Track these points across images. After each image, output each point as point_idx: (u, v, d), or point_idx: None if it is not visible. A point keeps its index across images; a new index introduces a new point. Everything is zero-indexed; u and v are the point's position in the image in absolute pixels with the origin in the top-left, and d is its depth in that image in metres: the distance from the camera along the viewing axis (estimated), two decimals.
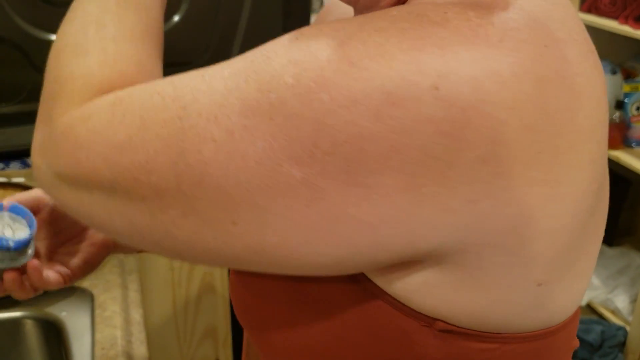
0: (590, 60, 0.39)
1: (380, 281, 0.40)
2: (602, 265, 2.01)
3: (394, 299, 0.40)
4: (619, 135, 1.78)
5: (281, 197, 0.35)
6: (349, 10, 0.56)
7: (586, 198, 0.38)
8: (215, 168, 0.35)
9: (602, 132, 0.39)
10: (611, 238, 2.13)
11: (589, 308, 1.98)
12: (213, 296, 1.32)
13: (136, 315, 0.92)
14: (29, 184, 1.04)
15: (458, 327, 0.40)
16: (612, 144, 1.78)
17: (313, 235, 0.36)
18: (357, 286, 0.41)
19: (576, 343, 0.48)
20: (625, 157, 1.75)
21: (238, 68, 0.37)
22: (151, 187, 0.38)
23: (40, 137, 0.45)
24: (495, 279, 0.38)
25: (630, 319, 1.84)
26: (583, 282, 0.43)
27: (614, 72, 1.84)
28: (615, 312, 1.91)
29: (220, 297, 1.33)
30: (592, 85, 0.38)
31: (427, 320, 0.40)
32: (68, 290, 1.02)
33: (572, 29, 0.38)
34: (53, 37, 1.33)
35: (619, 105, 1.77)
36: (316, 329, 0.43)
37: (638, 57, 1.94)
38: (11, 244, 0.57)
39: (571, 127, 0.36)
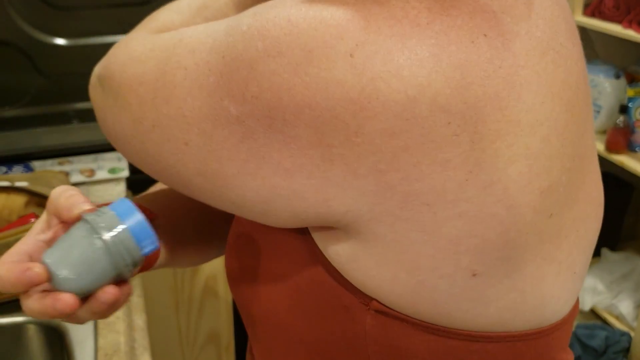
0: (548, 57, 0.39)
1: (319, 242, 0.43)
2: (606, 270, 2.00)
3: (334, 269, 0.42)
4: (623, 139, 1.78)
5: (221, 128, 0.39)
6: None
7: (527, 194, 0.38)
8: (180, 91, 0.41)
9: (556, 130, 0.39)
10: (614, 242, 2.12)
11: (593, 313, 1.98)
12: (216, 301, 1.32)
13: (139, 320, 0.92)
14: (33, 188, 1.03)
15: (392, 310, 0.41)
16: (616, 149, 1.77)
17: (243, 169, 0.40)
18: (304, 243, 0.44)
19: None
20: (629, 162, 1.74)
21: (229, 18, 0.42)
22: (138, 96, 0.45)
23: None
24: (415, 258, 0.38)
25: (634, 324, 1.83)
26: (550, 290, 0.42)
27: (617, 77, 1.84)
28: (619, 317, 1.90)
29: (223, 302, 1.33)
30: (543, 80, 0.38)
31: (364, 298, 0.42)
32: None
33: (536, 26, 0.39)
34: (57, 40, 1.33)
35: (623, 109, 1.76)
36: (276, 296, 0.47)
37: None
38: (147, 249, 0.43)
39: (499, 117, 0.36)
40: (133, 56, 0.47)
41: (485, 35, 0.36)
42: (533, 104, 0.38)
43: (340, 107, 0.35)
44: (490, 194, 0.37)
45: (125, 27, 1.29)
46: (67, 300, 0.40)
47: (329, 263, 0.42)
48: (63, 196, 0.44)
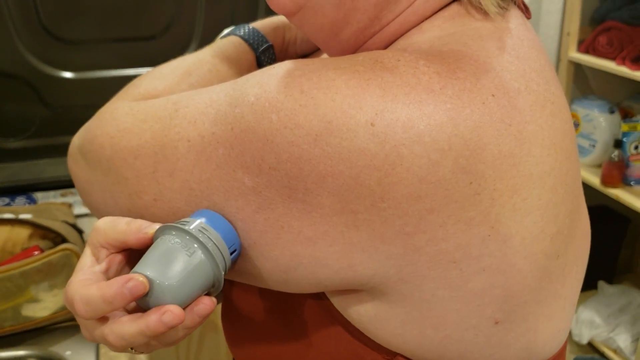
0: (547, 110, 0.41)
1: (339, 306, 0.43)
2: (603, 303, 2.01)
3: (355, 328, 0.42)
4: (618, 173, 1.80)
5: (234, 199, 0.39)
6: None
7: (540, 241, 0.40)
8: (185, 164, 0.41)
9: (560, 179, 0.41)
10: (611, 276, 2.12)
11: (591, 346, 1.97)
12: (215, 335, 1.31)
13: (141, 354, 0.92)
14: (37, 221, 1.03)
15: None
16: (611, 183, 1.79)
17: (260, 239, 0.39)
18: (320, 306, 0.44)
19: None
20: (625, 196, 1.76)
21: (226, 85, 0.42)
22: (134, 170, 0.44)
23: (87, 122, 0.53)
24: (443, 314, 0.39)
25: (632, 358, 1.83)
26: (555, 323, 0.44)
27: (611, 112, 1.86)
28: (617, 351, 1.90)
29: (222, 336, 1.32)
30: (546, 132, 0.40)
31: (389, 354, 0.42)
32: (72, 328, 1.01)
33: (532, 80, 0.41)
34: (63, 74, 1.35)
35: (618, 144, 1.78)
36: (283, 347, 0.46)
37: (635, 97, 1.97)
38: (235, 253, 0.42)
39: (515, 172, 0.38)
40: (123, 128, 0.46)
41: (493, 95, 0.38)
42: (540, 156, 0.39)
43: (364, 174, 0.36)
44: (510, 246, 0.38)
45: (131, 61, 1.32)
46: (175, 310, 0.37)
47: (349, 323, 0.42)
48: (118, 224, 0.42)
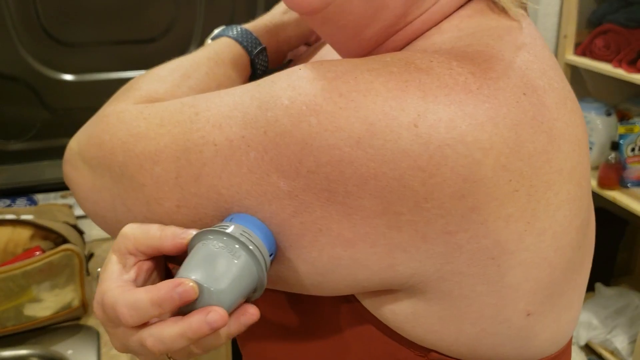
0: (568, 107, 0.42)
1: (371, 307, 0.42)
2: (601, 305, 2.01)
3: (388, 327, 0.42)
4: (615, 176, 1.80)
5: (268, 203, 0.38)
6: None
7: (568, 234, 0.41)
8: (212, 169, 0.40)
9: (582, 173, 0.42)
10: (608, 278, 2.13)
11: (588, 348, 1.98)
12: None
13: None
14: (38, 221, 1.04)
15: (452, 357, 0.42)
16: (608, 185, 1.80)
17: (297, 242, 0.39)
18: (350, 308, 0.44)
19: None
20: (622, 197, 1.77)
21: (247, 89, 0.41)
22: (153, 176, 0.42)
23: (85, 125, 0.51)
24: (480, 309, 0.40)
25: None
26: (572, 313, 0.45)
27: (608, 114, 1.87)
28: (614, 352, 1.91)
29: None
30: (570, 129, 0.41)
31: (422, 351, 0.42)
32: (74, 328, 1.02)
33: (552, 78, 0.42)
34: (64, 76, 1.35)
35: (615, 146, 1.79)
36: (311, 352, 0.46)
37: (632, 99, 1.98)
38: (273, 254, 0.41)
39: (548, 169, 0.39)
40: (136, 132, 0.44)
41: (524, 94, 0.39)
42: (568, 152, 0.40)
43: (408, 175, 0.36)
44: (543, 240, 0.39)
45: (131, 64, 1.32)
46: (220, 311, 0.36)
47: (379, 321, 0.42)
48: (150, 230, 0.41)
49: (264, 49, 0.63)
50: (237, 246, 0.38)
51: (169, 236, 0.40)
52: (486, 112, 0.37)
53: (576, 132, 0.42)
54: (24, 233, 1.04)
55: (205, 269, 0.38)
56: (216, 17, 1.34)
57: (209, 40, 0.63)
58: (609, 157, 1.79)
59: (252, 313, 0.38)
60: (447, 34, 0.43)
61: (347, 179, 0.36)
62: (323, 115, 0.36)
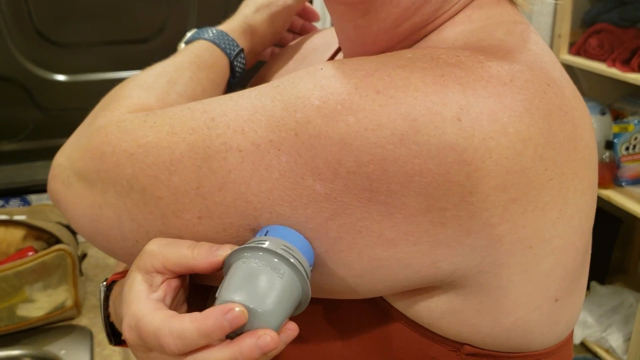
0: (578, 97, 0.43)
1: (403, 306, 0.42)
2: (596, 303, 2.02)
3: (418, 325, 0.42)
4: (610, 174, 1.81)
5: (303, 208, 0.37)
6: (324, 57, 0.60)
7: (589, 218, 0.42)
8: (238, 176, 0.38)
9: (596, 161, 0.43)
10: (603, 276, 2.14)
11: (583, 346, 1.98)
12: None
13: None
14: (31, 222, 1.04)
15: (484, 349, 0.42)
16: (603, 184, 1.81)
17: (334, 246, 0.38)
18: (377, 309, 0.43)
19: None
20: (616, 196, 1.77)
21: (264, 90, 0.40)
22: (170, 187, 0.40)
23: (72, 138, 0.48)
24: (516, 298, 0.40)
25: (624, 358, 1.84)
26: (582, 295, 0.47)
27: (603, 113, 1.88)
28: (609, 351, 1.91)
29: None
30: (586, 118, 0.42)
31: (455, 346, 0.42)
32: (67, 328, 1.02)
33: (561, 70, 0.43)
34: (57, 76, 1.35)
35: (609, 145, 1.80)
36: (336, 354, 0.45)
37: (626, 99, 1.99)
38: (312, 266, 0.39)
39: (575, 156, 0.39)
40: (144, 142, 0.41)
41: (548, 85, 0.39)
42: (588, 140, 0.41)
43: (454, 170, 0.35)
44: (572, 226, 0.40)
45: (124, 64, 1.32)
46: (272, 334, 0.35)
47: (408, 319, 0.42)
48: (180, 248, 0.39)
49: (242, 50, 0.62)
50: (277, 261, 0.36)
51: (203, 255, 0.38)
52: (522, 103, 0.37)
53: (589, 121, 0.43)
54: (17, 233, 1.04)
55: (249, 289, 0.35)
56: (209, 17, 1.34)
57: (182, 44, 0.62)
58: (604, 156, 1.80)
59: (292, 329, 0.37)
60: (458, 26, 0.43)
61: (390, 178, 0.35)
62: (362, 113, 0.35)
